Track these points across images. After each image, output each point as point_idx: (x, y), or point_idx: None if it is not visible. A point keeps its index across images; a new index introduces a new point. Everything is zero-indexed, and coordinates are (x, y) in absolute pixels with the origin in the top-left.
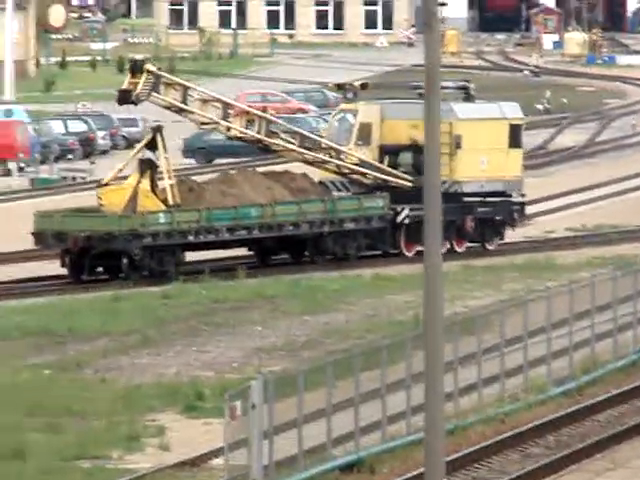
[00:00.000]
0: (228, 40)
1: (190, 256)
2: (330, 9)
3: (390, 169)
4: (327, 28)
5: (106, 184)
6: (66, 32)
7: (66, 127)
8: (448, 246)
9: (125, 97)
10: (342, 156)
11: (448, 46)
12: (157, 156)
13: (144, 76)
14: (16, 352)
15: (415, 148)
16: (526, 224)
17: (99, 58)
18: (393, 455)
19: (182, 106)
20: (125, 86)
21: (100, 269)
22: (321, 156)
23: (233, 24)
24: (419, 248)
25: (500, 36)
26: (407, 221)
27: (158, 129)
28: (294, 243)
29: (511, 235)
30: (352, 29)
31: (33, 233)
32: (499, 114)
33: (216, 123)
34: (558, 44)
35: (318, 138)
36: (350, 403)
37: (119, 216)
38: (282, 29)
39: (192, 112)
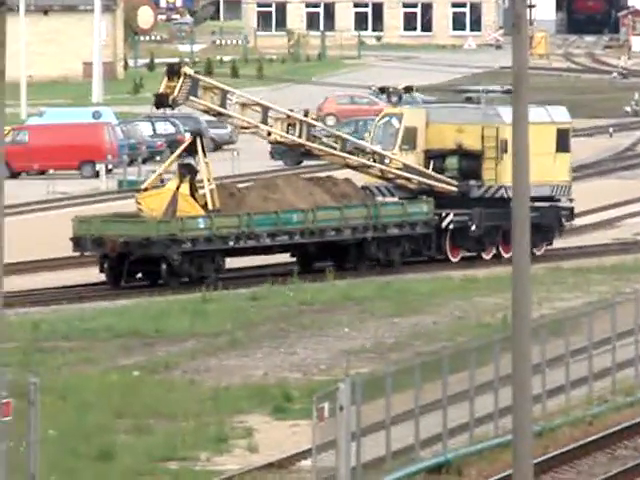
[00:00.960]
0: (316, 42)
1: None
2: (418, 11)
3: (435, 174)
4: (415, 30)
5: (145, 189)
6: (154, 34)
7: (154, 129)
8: (494, 251)
9: (162, 101)
10: (386, 161)
11: (536, 48)
12: (197, 161)
13: (181, 80)
14: (105, 353)
15: (461, 153)
16: (573, 229)
17: (187, 60)
18: (481, 457)
19: (220, 110)
20: (162, 90)
21: (139, 275)
22: (364, 161)
23: (321, 26)
24: (465, 254)
25: (589, 38)
26: (452, 226)
27: (198, 133)
28: (337, 249)
29: (600, 237)
30: (440, 31)
31: (72, 238)
32: (547, 118)
33: (256, 127)
34: None
35: (361, 142)
36: (438, 405)
37: (158, 221)
38: (370, 31)
39: (230, 116)
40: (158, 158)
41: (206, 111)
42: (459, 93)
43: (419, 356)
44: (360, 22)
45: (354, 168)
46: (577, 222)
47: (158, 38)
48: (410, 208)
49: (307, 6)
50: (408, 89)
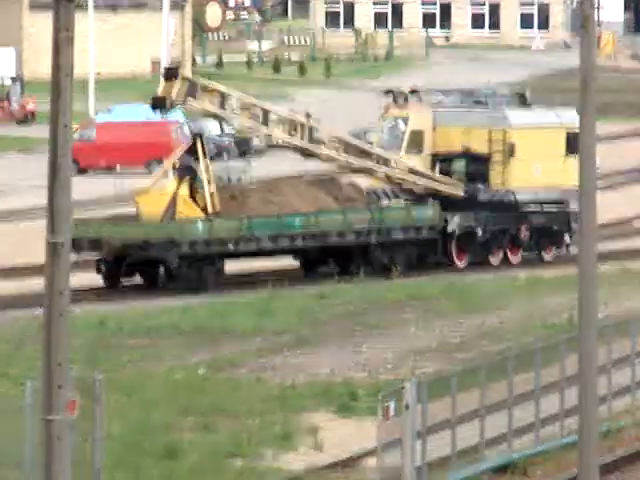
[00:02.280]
0: (384, 41)
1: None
2: (486, 9)
3: (442, 177)
4: (483, 28)
5: (144, 191)
6: (222, 32)
7: (222, 127)
8: (502, 256)
9: (159, 103)
10: (391, 164)
11: (604, 49)
12: (197, 162)
13: (179, 82)
14: (171, 351)
15: (468, 156)
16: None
17: (255, 59)
18: (546, 457)
19: (218, 112)
20: (160, 92)
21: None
22: (369, 164)
23: (389, 25)
24: (472, 259)
25: None
26: (457, 231)
27: (199, 135)
28: (340, 253)
29: None
30: (508, 30)
31: None
32: (555, 121)
33: (257, 130)
34: None
35: (365, 146)
36: (503, 405)
37: (156, 223)
38: (437, 29)
39: (228, 118)
40: (225, 156)
41: (205, 113)
42: (468, 95)
43: (485, 356)
44: (428, 21)
45: (359, 172)
46: None
47: (226, 36)
48: (415, 212)
49: (375, 4)
50: (414, 91)
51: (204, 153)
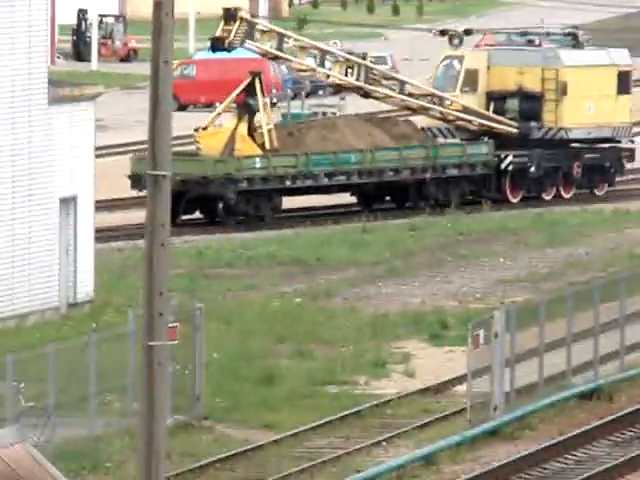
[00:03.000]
0: None
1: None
2: None
3: (496, 116)
4: None
5: (204, 128)
6: None
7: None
8: (554, 192)
9: (218, 44)
10: (446, 102)
11: None
12: (256, 100)
13: (237, 23)
14: (268, 280)
15: (521, 95)
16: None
17: None
18: (631, 384)
19: (277, 53)
20: (218, 33)
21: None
22: (423, 103)
23: None
24: (524, 194)
25: None
26: (511, 167)
27: (257, 74)
28: (396, 189)
29: None
30: None
31: (129, 176)
32: (607, 60)
33: (313, 70)
34: None
35: (420, 85)
36: (589, 333)
37: (214, 160)
38: None
39: (288, 59)
40: (321, 92)
41: (263, 55)
42: (521, 35)
43: (571, 286)
44: None
45: (413, 110)
46: None
47: None
48: (469, 149)
49: None
50: (468, 32)
51: (262, 91)
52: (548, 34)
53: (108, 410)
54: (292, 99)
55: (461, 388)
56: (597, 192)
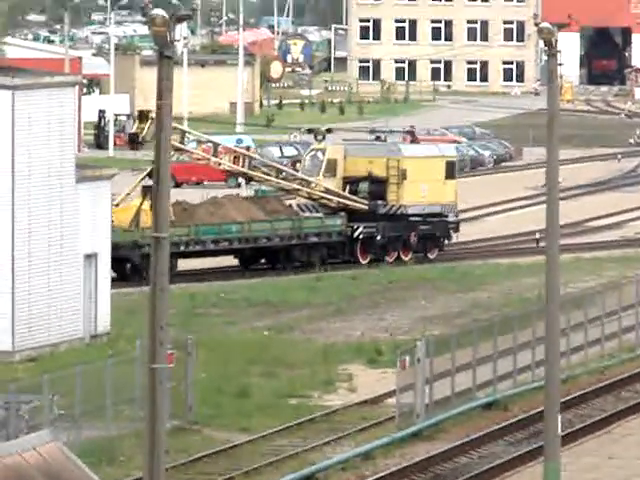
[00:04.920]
0: (402, 89)
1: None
2: (477, 67)
3: (350, 195)
4: (476, 80)
5: (117, 205)
6: (282, 82)
7: (282, 152)
8: (396, 255)
9: (133, 139)
10: (311, 185)
11: (565, 95)
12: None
13: (149, 122)
14: (243, 318)
15: (371, 179)
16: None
17: (306, 101)
18: (521, 397)
19: (179, 146)
20: (133, 130)
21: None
22: (294, 185)
23: (406, 77)
24: (372, 257)
25: (603, 88)
26: (362, 236)
27: None
28: (268, 253)
29: (610, 235)
30: (494, 81)
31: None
32: (437, 152)
33: (208, 159)
34: None
35: (292, 171)
36: (490, 358)
37: (124, 230)
38: (442, 81)
39: (188, 151)
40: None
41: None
42: (371, 133)
43: (476, 322)
44: (435, 74)
45: (287, 191)
46: (595, 224)
47: (285, 85)
48: (327, 221)
49: (396, 62)
50: (329, 130)
51: None
52: (392, 131)
53: (121, 417)
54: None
55: (392, 400)
56: (430, 255)
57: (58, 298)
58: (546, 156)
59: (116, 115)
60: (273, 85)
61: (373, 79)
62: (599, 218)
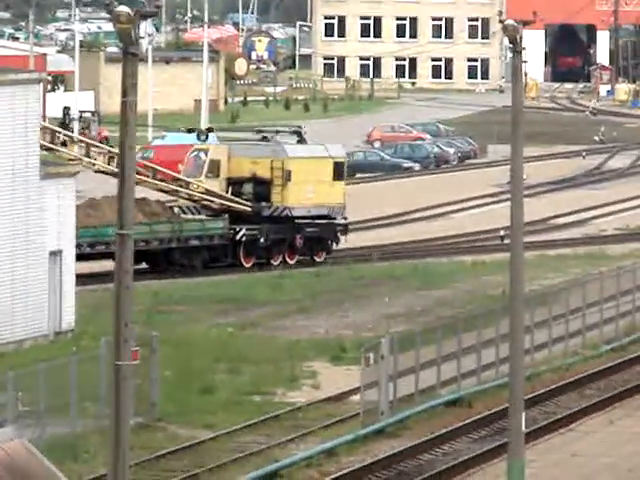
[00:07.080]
0: (367, 86)
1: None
2: (442, 64)
3: (233, 197)
4: (440, 78)
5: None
6: (247, 79)
7: None
8: (281, 259)
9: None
10: (192, 186)
11: (529, 92)
12: None
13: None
14: (207, 315)
15: (255, 180)
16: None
17: (271, 98)
18: (485, 394)
19: (50, 146)
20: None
21: None
22: (173, 186)
23: (371, 74)
24: (255, 260)
25: (568, 85)
26: (244, 239)
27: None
28: (149, 255)
29: (574, 233)
30: (458, 79)
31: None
32: (325, 153)
33: (80, 159)
34: (610, 92)
35: (169, 172)
36: (454, 355)
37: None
38: (407, 78)
39: (58, 151)
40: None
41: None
42: (257, 132)
43: (440, 319)
44: (400, 72)
45: (166, 192)
46: (559, 221)
47: (250, 82)
48: (208, 224)
49: (360, 59)
50: (210, 129)
51: None
52: (277, 132)
53: (85, 413)
54: None
55: (356, 397)
56: (317, 259)
57: (22, 295)
58: (510, 153)
59: (80, 112)
60: (238, 82)
61: (338, 76)
62: (564, 215)
